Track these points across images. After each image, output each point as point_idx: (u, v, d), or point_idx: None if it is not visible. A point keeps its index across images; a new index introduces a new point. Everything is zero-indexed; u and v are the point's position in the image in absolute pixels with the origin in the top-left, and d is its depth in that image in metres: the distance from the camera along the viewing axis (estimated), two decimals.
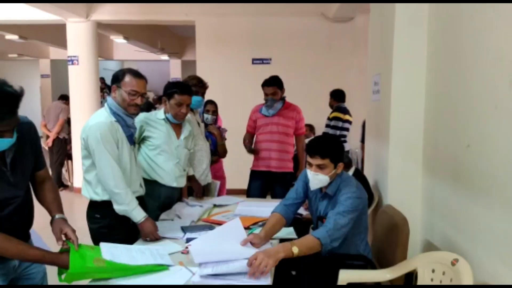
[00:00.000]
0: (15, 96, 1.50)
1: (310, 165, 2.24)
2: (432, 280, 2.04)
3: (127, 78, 2.24)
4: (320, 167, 2.20)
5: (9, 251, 1.61)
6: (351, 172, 3.29)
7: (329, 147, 2.23)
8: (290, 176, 3.84)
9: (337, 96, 5.56)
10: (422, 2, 2.68)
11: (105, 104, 2.32)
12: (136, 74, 2.28)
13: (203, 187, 3.30)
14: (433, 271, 2.04)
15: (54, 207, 1.84)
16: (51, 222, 1.80)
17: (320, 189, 2.36)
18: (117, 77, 2.26)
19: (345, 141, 5.39)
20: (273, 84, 3.66)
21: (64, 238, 1.74)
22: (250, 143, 3.94)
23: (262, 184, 3.82)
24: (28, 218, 1.82)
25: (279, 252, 1.88)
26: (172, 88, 2.70)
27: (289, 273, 2.52)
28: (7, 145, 1.56)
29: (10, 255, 1.63)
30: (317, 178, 2.23)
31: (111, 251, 1.83)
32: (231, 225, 2.17)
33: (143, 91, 2.28)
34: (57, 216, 1.80)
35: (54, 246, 1.79)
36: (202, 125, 3.51)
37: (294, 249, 1.93)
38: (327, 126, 5.52)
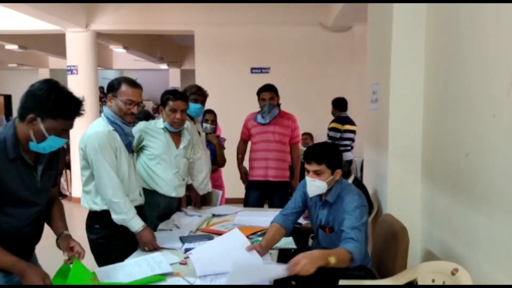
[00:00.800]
0: (80, 102, 1.69)
1: (308, 171, 2.26)
2: None
3: (123, 87, 2.25)
4: (317, 173, 2.22)
5: None
6: (350, 181, 3.29)
7: (325, 153, 2.25)
8: (288, 185, 3.83)
9: (338, 105, 5.50)
10: (420, 2, 2.69)
11: (102, 114, 2.32)
12: (132, 83, 2.28)
13: (203, 196, 3.29)
14: (433, 281, 2.03)
15: (61, 225, 1.89)
16: (58, 239, 1.84)
17: (320, 197, 2.35)
18: (113, 86, 2.27)
19: (346, 150, 5.35)
20: (271, 89, 3.69)
21: (70, 255, 1.76)
22: (243, 153, 3.94)
23: (260, 194, 3.80)
24: (38, 232, 1.83)
25: (318, 260, 1.81)
26: (166, 95, 2.73)
27: (289, 283, 2.51)
28: (61, 144, 1.67)
29: None
30: (314, 185, 2.24)
31: (107, 274, 1.83)
32: (231, 235, 2.17)
33: (139, 100, 2.28)
34: (65, 232, 1.86)
35: (46, 262, 1.82)
36: (203, 134, 3.51)
37: (331, 259, 1.86)
38: (328, 136, 5.50)
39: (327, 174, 2.22)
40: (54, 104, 1.58)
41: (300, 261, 1.76)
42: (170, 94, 2.73)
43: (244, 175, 3.95)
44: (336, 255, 1.90)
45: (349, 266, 1.97)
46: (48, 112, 1.57)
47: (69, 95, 1.65)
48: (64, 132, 1.66)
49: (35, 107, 1.57)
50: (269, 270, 1.87)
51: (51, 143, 1.63)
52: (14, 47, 9.05)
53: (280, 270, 1.75)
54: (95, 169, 2.18)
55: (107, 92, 2.29)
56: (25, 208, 1.70)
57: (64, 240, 1.81)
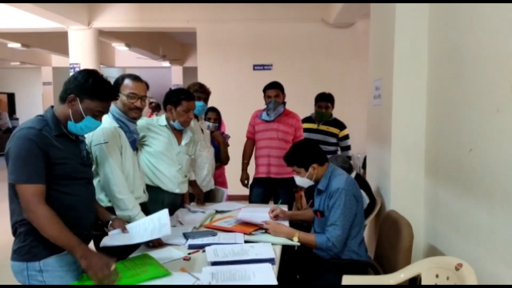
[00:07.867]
0: (116, 88, 2.06)
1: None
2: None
3: (126, 82, 2.31)
4: (296, 172, 2.54)
5: (54, 227, 1.64)
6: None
7: (290, 157, 2.56)
8: (293, 181, 3.83)
9: None
10: (422, 2, 2.68)
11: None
12: (135, 78, 2.34)
13: (208, 194, 3.29)
14: (437, 276, 2.03)
15: (105, 211, 2.11)
16: (109, 223, 2.06)
17: (316, 185, 2.56)
18: (117, 83, 2.33)
19: None
20: (277, 87, 3.70)
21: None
22: (249, 157, 3.94)
23: (264, 190, 3.80)
24: (93, 216, 1.97)
25: (282, 234, 2.36)
26: (179, 96, 2.72)
27: (294, 277, 2.53)
28: (96, 126, 1.83)
29: (51, 231, 1.64)
30: (298, 180, 2.57)
31: (111, 238, 1.99)
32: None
33: (142, 94, 2.32)
34: (114, 216, 2.11)
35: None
36: (207, 132, 3.51)
37: (295, 239, 2.33)
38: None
39: (303, 172, 2.51)
40: (92, 86, 1.76)
41: (271, 225, 2.40)
42: (183, 94, 2.73)
43: (244, 181, 3.96)
44: (303, 238, 2.34)
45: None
46: (86, 93, 1.76)
47: (106, 80, 1.84)
48: (99, 115, 1.81)
49: (75, 88, 1.76)
50: (259, 217, 2.59)
51: (87, 124, 1.79)
52: (17, 45, 9.07)
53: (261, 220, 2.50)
54: (100, 165, 2.19)
55: None
56: (79, 181, 1.83)
57: (120, 221, 2.08)
